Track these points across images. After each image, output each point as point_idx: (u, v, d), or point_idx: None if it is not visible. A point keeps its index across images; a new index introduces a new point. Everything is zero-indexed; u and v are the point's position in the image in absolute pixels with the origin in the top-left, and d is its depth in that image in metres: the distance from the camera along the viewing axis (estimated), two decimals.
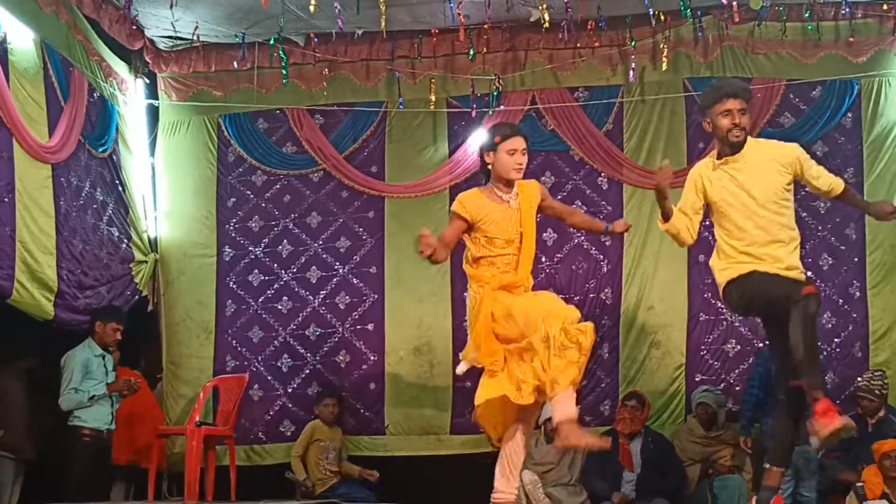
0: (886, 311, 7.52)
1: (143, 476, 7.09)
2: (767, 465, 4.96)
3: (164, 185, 8.27)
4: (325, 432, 7.59)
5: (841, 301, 7.59)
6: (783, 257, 4.79)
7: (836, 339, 7.57)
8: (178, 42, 8.03)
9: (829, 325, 7.56)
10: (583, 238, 7.85)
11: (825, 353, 7.51)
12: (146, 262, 8.01)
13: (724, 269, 4.89)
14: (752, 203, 4.81)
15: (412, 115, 8.03)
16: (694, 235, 5.03)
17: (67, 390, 6.71)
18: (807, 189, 7.45)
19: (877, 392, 6.92)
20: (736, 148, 4.83)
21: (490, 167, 4.84)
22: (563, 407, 4.50)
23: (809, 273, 7.25)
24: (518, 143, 4.80)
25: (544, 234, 7.81)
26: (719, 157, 4.91)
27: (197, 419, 7.04)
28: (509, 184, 4.84)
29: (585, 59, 7.86)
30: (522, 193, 4.87)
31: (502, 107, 7.87)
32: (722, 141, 4.86)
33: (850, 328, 7.57)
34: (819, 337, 4.84)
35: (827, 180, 5.00)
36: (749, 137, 4.88)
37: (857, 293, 7.58)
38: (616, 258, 7.81)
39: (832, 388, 7.44)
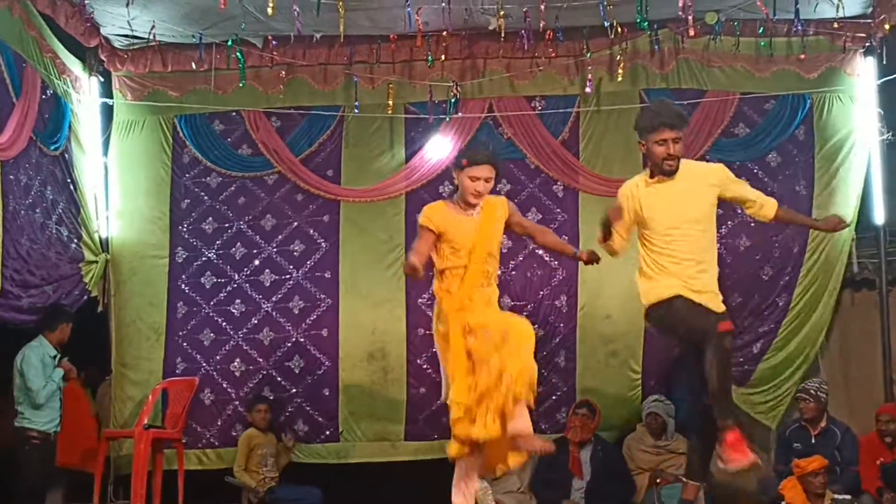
0: (791, 323, 7.72)
1: (86, 479, 7.01)
2: (685, 479, 5.11)
3: (118, 185, 8.17)
4: (261, 439, 7.56)
5: (767, 313, 7.76)
6: (706, 282, 4.91)
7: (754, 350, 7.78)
8: (135, 41, 7.94)
9: (759, 345, 7.76)
10: (538, 245, 7.89)
11: (748, 366, 7.72)
12: (97, 262, 7.89)
13: (648, 290, 5.00)
14: (681, 221, 4.93)
15: (369, 119, 8.02)
16: (627, 248, 5.12)
17: (48, 381, 6.59)
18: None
19: (812, 392, 7.03)
20: (668, 175, 4.95)
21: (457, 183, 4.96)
22: (518, 422, 4.66)
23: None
24: (482, 171, 4.87)
25: None
26: (652, 175, 5.03)
27: (145, 422, 6.98)
28: (472, 205, 4.93)
29: (543, 68, 7.91)
30: (488, 208, 4.95)
31: (460, 114, 7.89)
32: (655, 165, 4.99)
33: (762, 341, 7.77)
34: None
35: (757, 195, 5.14)
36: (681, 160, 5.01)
37: (783, 305, 7.74)
38: (572, 266, 7.83)
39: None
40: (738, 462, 4.44)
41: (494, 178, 4.92)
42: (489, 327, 4.68)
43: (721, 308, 4.93)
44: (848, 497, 6.61)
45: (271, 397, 7.83)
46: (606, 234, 4.95)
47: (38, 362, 6.62)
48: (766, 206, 5.12)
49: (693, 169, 5.08)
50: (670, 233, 4.93)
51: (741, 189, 5.15)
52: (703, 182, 5.01)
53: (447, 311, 4.83)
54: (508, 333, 4.64)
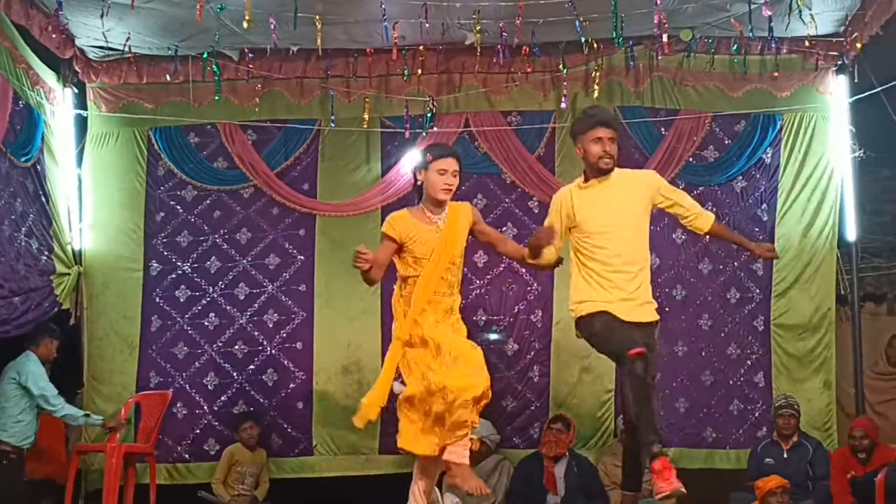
0: (788, 343, 7.74)
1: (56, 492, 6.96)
2: (621, 490, 5.22)
3: (91, 197, 8.12)
4: (245, 456, 7.53)
5: (745, 333, 7.81)
6: (636, 289, 4.93)
7: (740, 370, 7.79)
8: (110, 52, 7.91)
9: (735, 357, 7.80)
10: (513, 260, 7.90)
11: (730, 383, 7.75)
12: (69, 274, 7.82)
13: (576, 302, 5.02)
14: (611, 224, 4.95)
15: (346, 133, 8.02)
16: (557, 257, 5.12)
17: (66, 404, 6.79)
18: (722, 223, 7.68)
19: (796, 407, 7.12)
20: (604, 173, 4.98)
21: (421, 185, 4.87)
22: (452, 450, 4.67)
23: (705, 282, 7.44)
24: (449, 163, 4.82)
25: (475, 256, 7.85)
26: (586, 179, 5.07)
27: (117, 436, 6.93)
28: (439, 204, 4.85)
29: (519, 83, 7.95)
30: (452, 215, 4.89)
31: (436, 128, 7.91)
32: (591, 167, 5.01)
33: (753, 359, 7.79)
34: (656, 393, 4.96)
35: (693, 206, 5.13)
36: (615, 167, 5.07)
37: (762, 326, 7.78)
38: (547, 280, 7.86)
39: (736, 415, 7.74)
40: (662, 491, 4.44)
41: (460, 171, 4.87)
42: (442, 348, 4.65)
43: (652, 317, 4.99)
44: None
45: (251, 409, 7.81)
46: (535, 254, 4.98)
47: (41, 370, 6.66)
48: (701, 218, 5.12)
49: (626, 175, 5.12)
50: (601, 236, 4.95)
51: (677, 197, 5.13)
52: (636, 187, 5.03)
53: (404, 318, 4.79)
54: (459, 359, 4.63)
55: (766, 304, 7.79)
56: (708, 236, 5.45)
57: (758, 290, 7.81)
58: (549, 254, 5.03)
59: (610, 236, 4.93)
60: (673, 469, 4.49)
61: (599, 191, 5.00)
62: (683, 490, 4.44)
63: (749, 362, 7.79)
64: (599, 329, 4.88)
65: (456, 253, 4.87)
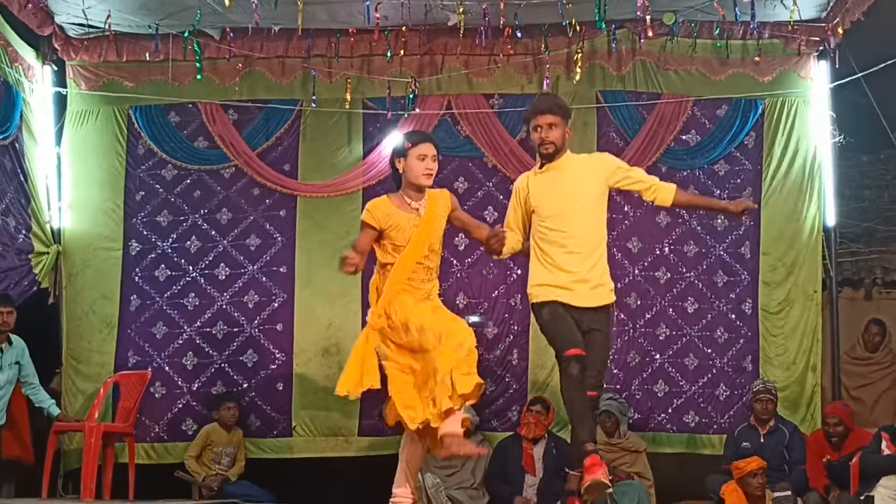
0: (776, 327, 7.75)
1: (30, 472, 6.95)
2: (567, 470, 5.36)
3: (70, 176, 8.07)
4: (223, 437, 7.52)
5: (734, 317, 7.81)
6: (592, 273, 5.04)
7: (728, 353, 7.80)
8: (90, 30, 7.85)
9: (722, 341, 7.79)
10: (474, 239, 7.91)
11: (717, 368, 7.76)
12: (48, 253, 7.79)
13: (532, 286, 5.14)
14: (565, 208, 5.06)
15: (327, 114, 7.99)
16: (521, 244, 5.26)
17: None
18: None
19: (773, 392, 7.17)
20: (548, 159, 5.12)
21: (401, 173, 4.89)
22: (449, 423, 4.62)
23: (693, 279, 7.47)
24: (428, 149, 4.86)
25: (455, 239, 7.84)
26: (541, 166, 5.20)
27: (96, 415, 6.91)
28: (420, 191, 4.88)
29: (501, 65, 7.93)
30: (431, 202, 4.92)
31: (418, 110, 7.88)
32: (537, 152, 5.18)
33: (741, 343, 7.79)
34: (601, 387, 5.23)
35: (652, 180, 5.21)
36: (570, 152, 5.18)
37: (750, 310, 7.79)
38: (527, 264, 7.79)
39: (724, 400, 7.74)
40: (586, 482, 4.74)
41: (438, 155, 4.91)
42: (425, 328, 4.64)
43: (608, 299, 5.11)
44: (788, 493, 6.71)
45: (232, 390, 7.80)
46: (497, 254, 5.17)
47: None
48: (662, 190, 5.19)
49: (581, 159, 5.24)
50: (553, 219, 5.07)
51: (633, 174, 5.23)
52: (589, 170, 5.14)
53: (380, 305, 4.80)
54: (443, 336, 4.61)
55: (755, 288, 7.79)
56: (676, 207, 5.53)
57: (745, 273, 7.80)
58: (512, 244, 5.17)
59: (562, 219, 5.06)
60: (602, 465, 4.80)
61: (554, 175, 5.13)
62: (604, 481, 4.73)
63: (737, 346, 7.79)
64: (547, 320, 5.06)
65: (435, 239, 4.90)
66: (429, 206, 4.89)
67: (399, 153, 4.90)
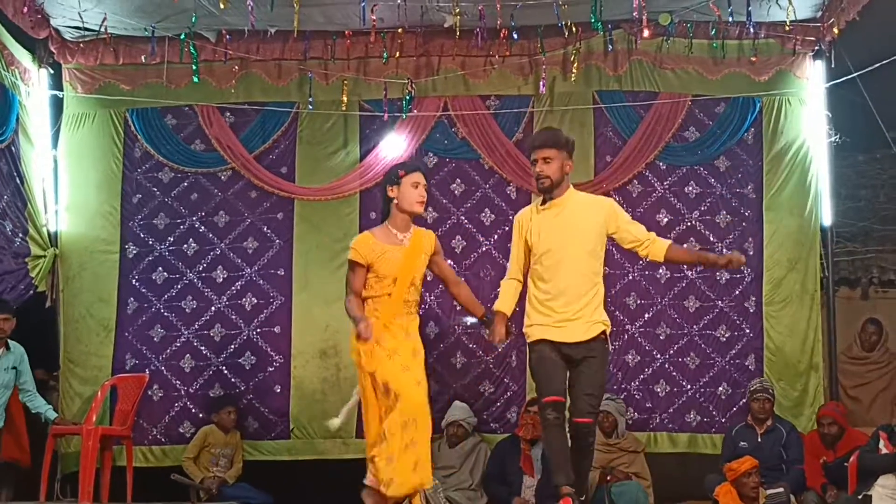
0: (780, 324, 7.73)
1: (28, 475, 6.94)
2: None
3: (67, 179, 8.07)
4: (220, 439, 7.52)
5: (736, 315, 7.79)
6: (581, 312, 5.09)
7: (730, 352, 7.77)
8: (86, 33, 7.84)
9: (724, 339, 7.77)
10: (491, 246, 7.92)
11: (718, 367, 7.73)
12: (44, 256, 7.79)
13: (528, 325, 5.28)
14: (563, 247, 5.11)
15: (324, 117, 7.99)
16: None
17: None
18: (704, 206, 7.72)
19: (771, 391, 7.18)
20: (544, 192, 5.20)
21: (394, 201, 5.01)
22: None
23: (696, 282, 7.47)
24: (420, 177, 5.04)
25: (453, 242, 7.87)
26: (543, 202, 5.26)
27: (94, 419, 6.90)
28: (407, 224, 5.02)
29: (497, 67, 7.93)
30: (416, 237, 5.04)
31: (414, 112, 7.89)
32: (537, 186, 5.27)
33: (745, 341, 7.77)
34: (593, 429, 5.28)
35: (647, 236, 5.21)
36: (572, 188, 5.25)
37: (753, 307, 7.77)
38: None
39: (725, 399, 7.73)
40: None
41: (427, 185, 5.07)
42: (402, 397, 4.76)
43: (592, 334, 5.09)
44: (780, 490, 6.72)
45: (230, 392, 7.79)
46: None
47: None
48: (655, 245, 5.20)
49: (583, 199, 5.28)
50: (548, 259, 5.13)
51: (629, 227, 5.23)
52: (590, 212, 5.18)
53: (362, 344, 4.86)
54: (417, 421, 4.75)
55: (759, 285, 7.77)
56: (669, 263, 5.63)
57: (749, 270, 7.78)
58: (510, 295, 5.34)
59: (557, 261, 5.12)
60: None
61: (554, 215, 5.18)
62: None
63: (739, 345, 7.76)
64: (533, 365, 5.22)
65: (417, 275, 5.02)
66: (414, 240, 5.03)
67: (392, 181, 5.04)
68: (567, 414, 5.16)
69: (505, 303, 5.33)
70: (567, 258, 5.09)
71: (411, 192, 4.99)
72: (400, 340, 4.93)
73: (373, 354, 4.83)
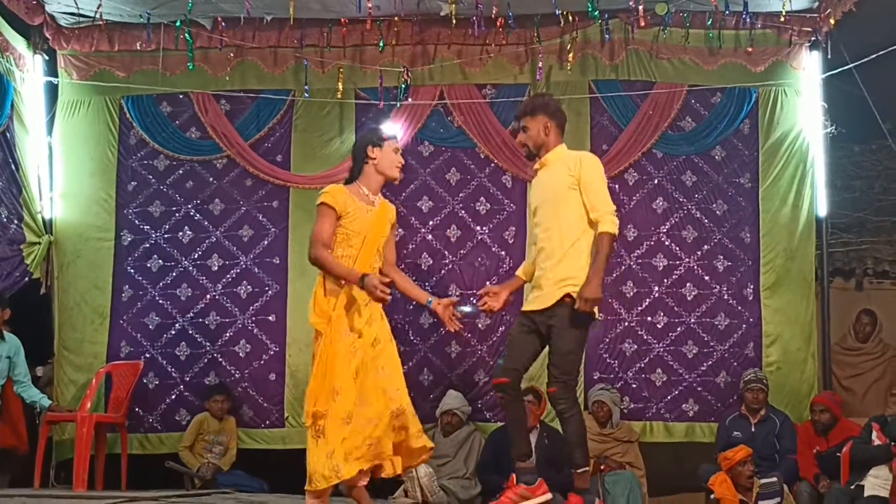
0: (778, 312, 7.73)
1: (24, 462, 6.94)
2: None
3: (62, 166, 8.05)
4: (214, 426, 7.54)
5: (735, 303, 7.78)
6: (554, 273, 5.02)
7: (729, 340, 7.76)
8: (81, 19, 7.82)
9: (723, 327, 7.76)
10: (486, 235, 7.91)
11: (717, 355, 7.73)
12: (39, 243, 7.78)
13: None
14: (542, 207, 5.15)
15: (320, 104, 7.97)
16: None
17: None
18: (700, 195, 7.72)
19: (764, 381, 7.21)
20: (529, 158, 5.34)
21: (371, 161, 4.95)
22: None
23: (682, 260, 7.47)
24: (399, 144, 5.10)
25: (448, 231, 7.87)
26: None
27: (88, 406, 6.91)
28: (378, 189, 5.00)
29: (494, 56, 7.92)
30: (384, 204, 5.02)
31: (410, 100, 7.87)
32: None
33: (744, 328, 7.76)
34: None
35: (601, 201, 5.05)
36: (562, 147, 5.21)
37: (751, 295, 7.77)
38: (519, 255, 7.84)
39: (724, 388, 7.72)
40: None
41: None
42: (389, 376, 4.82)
43: (550, 301, 4.99)
44: (773, 479, 6.75)
45: (223, 381, 7.79)
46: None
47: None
48: (599, 224, 5.02)
49: (564, 155, 5.21)
50: (535, 218, 5.22)
51: (589, 192, 5.04)
52: (563, 167, 5.12)
53: (335, 308, 4.79)
54: (405, 413, 4.81)
55: (756, 272, 7.76)
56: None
57: (746, 257, 7.78)
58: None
59: (536, 222, 5.20)
60: (519, 489, 5.17)
61: (540, 174, 5.26)
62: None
63: (739, 333, 7.74)
64: (508, 337, 5.37)
65: (383, 240, 4.97)
66: (383, 205, 5.00)
67: (375, 142, 4.98)
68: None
69: (521, 269, 5.40)
70: (544, 218, 5.11)
71: (392, 156, 4.97)
72: (365, 320, 4.80)
73: (340, 339, 4.75)
